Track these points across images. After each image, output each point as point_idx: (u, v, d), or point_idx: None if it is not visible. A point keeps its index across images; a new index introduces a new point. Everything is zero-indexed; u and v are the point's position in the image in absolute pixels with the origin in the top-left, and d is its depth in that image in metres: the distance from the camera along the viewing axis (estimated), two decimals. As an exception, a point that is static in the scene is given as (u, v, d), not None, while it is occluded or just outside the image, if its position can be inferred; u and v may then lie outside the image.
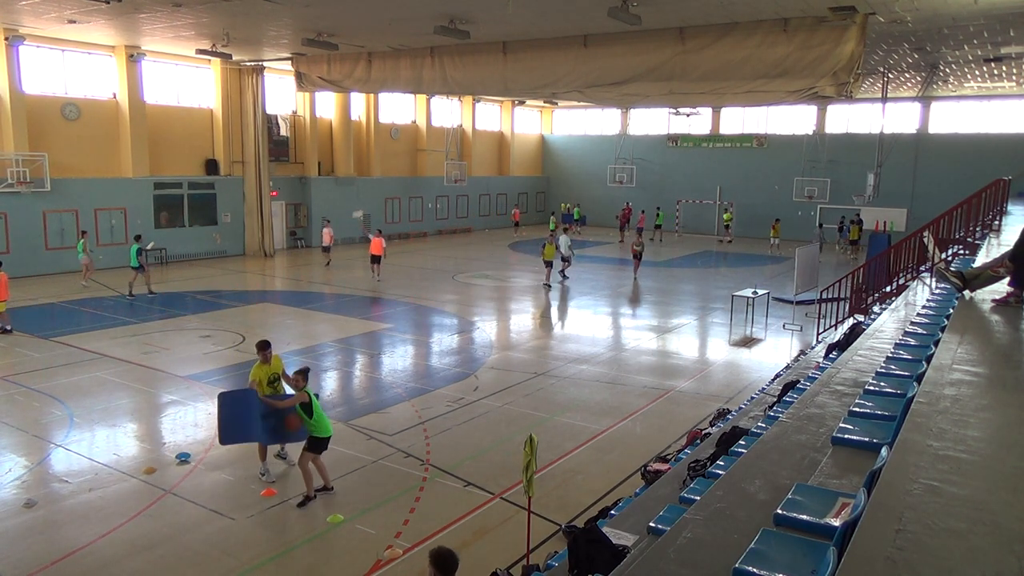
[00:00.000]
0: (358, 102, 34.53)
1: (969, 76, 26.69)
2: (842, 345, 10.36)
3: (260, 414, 8.78)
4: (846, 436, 4.41)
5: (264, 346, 9.38)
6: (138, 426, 11.28)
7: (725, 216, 38.44)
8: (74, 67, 24.87)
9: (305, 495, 8.62)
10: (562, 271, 25.03)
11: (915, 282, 12.45)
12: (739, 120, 40.30)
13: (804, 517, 3.49)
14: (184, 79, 28.07)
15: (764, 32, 15.84)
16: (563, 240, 25.33)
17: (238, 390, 9.28)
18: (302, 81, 25.10)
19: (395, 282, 23.96)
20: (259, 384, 9.12)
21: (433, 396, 12.69)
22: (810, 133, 37.01)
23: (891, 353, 6.10)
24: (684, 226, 40.68)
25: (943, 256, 13.73)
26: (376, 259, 23.86)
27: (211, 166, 28.71)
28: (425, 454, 10.12)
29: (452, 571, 4.66)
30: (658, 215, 38.10)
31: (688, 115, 40.44)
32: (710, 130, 41.04)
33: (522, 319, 19.49)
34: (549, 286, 23.36)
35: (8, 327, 16.22)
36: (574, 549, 5.02)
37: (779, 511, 3.54)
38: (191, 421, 11.38)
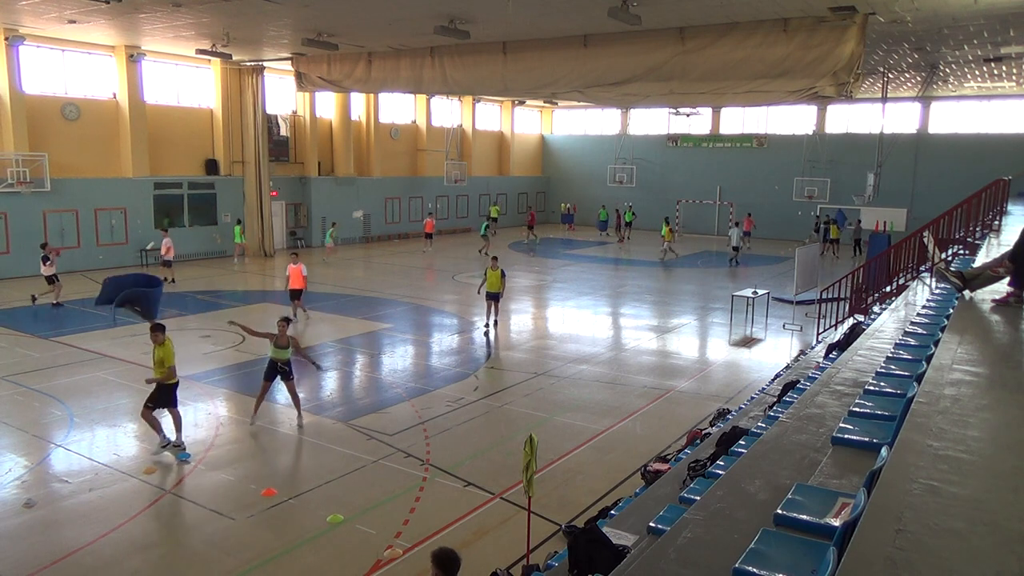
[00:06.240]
0: (358, 102, 34.51)
1: (969, 76, 26.68)
2: (842, 345, 10.36)
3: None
4: (846, 436, 4.41)
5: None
6: (138, 426, 11.25)
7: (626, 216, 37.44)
8: (74, 67, 24.86)
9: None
10: (734, 259, 28.74)
11: (915, 282, 12.45)
12: (739, 120, 40.26)
13: (804, 517, 3.49)
14: (184, 79, 28.07)
15: (764, 32, 15.85)
16: (734, 232, 29.18)
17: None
18: (302, 81, 25.12)
19: (395, 282, 23.94)
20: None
21: (433, 396, 12.68)
22: (810, 133, 36.99)
23: (891, 353, 6.10)
24: (684, 226, 40.65)
25: (943, 256, 13.73)
26: (296, 294, 17.55)
27: (211, 166, 28.71)
28: (425, 454, 10.12)
29: (454, 571, 4.64)
30: (628, 212, 37.82)
31: (688, 115, 40.42)
32: (710, 130, 41.01)
33: (522, 319, 19.48)
34: (488, 327, 17.42)
35: None
36: (574, 549, 5.02)
37: (779, 511, 3.55)
38: (191, 421, 11.38)
